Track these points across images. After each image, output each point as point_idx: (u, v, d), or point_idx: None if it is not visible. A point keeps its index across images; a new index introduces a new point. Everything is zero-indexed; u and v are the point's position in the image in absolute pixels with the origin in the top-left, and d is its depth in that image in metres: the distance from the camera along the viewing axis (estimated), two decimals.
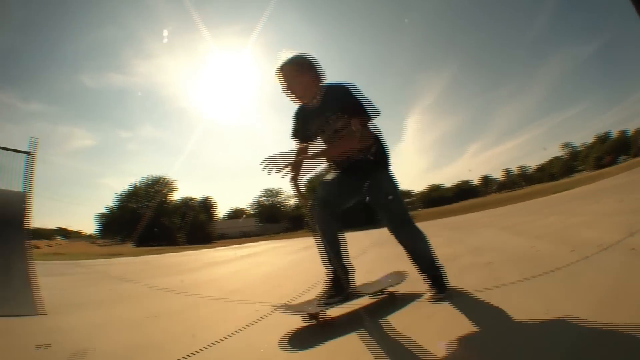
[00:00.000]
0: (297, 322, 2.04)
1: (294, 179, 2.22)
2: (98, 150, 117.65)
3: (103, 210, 56.12)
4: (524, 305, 1.72)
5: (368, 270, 3.25)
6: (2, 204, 4.86)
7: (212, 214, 61.00)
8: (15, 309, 3.12)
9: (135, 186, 53.63)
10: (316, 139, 2.24)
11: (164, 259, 12.37)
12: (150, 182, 53.86)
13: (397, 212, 2.20)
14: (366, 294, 2.25)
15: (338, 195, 2.19)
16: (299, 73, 2.11)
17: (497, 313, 1.72)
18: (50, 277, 4.24)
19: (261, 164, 2.02)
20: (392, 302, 2.22)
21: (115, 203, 53.53)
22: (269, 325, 2.14)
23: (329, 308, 2.05)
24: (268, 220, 61.28)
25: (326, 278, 2.15)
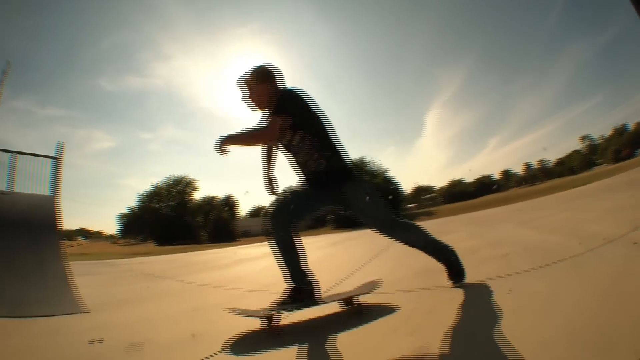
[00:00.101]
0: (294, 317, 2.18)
1: (267, 172, 2.45)
2: (119, 152, 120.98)
3: (125, 211, 57.66)
4: (533, 289, 2.01)
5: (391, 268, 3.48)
6: (33, 207, 5.12)
7: (234, 212, 61.67)
8: (57, 308, 3.20)
9: (157, 186, 54.21)
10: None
11: (192, 257, 12.59)
12: (172, 182, 54.37)
13: (378, 218, 2.24)
14: (326, 303, 2.19)
15: (296, 205, 2.21)
16: (254, 83, 2.26)
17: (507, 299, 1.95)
18: (81, 276, 4.41)
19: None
20: (359, 315, 2.12)
21: (137, 203, 54.31)
22: (309, 314, 2.23)
23: (276, 313, 2.05)
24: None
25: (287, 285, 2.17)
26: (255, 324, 2.10)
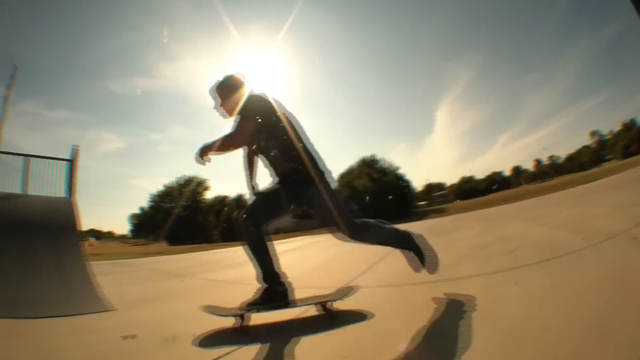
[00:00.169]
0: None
1: (250, 182, 2.52)
2: (128, 153, 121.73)
3: (136, 211, 57.94)
4: (537, 280, 2.24)
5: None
6: (51, 210, 5.21)
7: None
8: (82, 307, 3.19)
9: (168, 186, 54.62)
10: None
11: (207, 255, 12.90)
12: (183, 182, 54.63)
13: (341, 223, 2.21)
14: (298, 306, 2.23)
15: (266, 208, 2.29)
16: (224, 92, 2.39)
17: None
18: (100, 276, 4.53)
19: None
20: (331, 319, 2.14)
21: (149, 203, 54.74)
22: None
23: (246, 313, 2.11)
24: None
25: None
26: (295, 313, 2.29)
